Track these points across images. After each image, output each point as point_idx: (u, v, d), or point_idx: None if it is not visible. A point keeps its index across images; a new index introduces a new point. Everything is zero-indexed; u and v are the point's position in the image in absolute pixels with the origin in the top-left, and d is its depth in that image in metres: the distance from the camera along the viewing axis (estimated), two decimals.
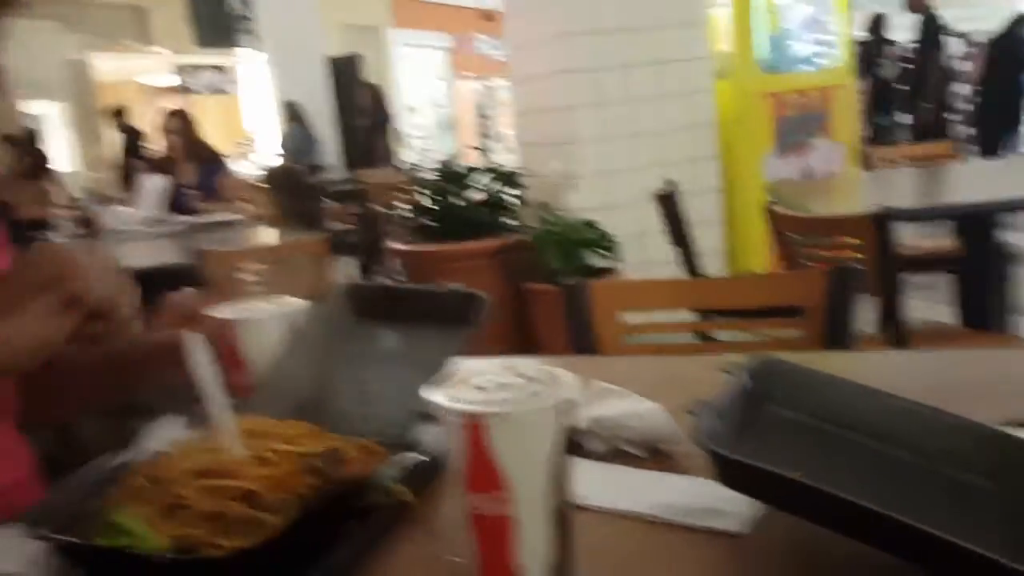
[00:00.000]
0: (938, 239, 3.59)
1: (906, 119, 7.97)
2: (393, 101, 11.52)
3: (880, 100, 7.93)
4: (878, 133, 7.96)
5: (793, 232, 2.22)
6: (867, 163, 3.85)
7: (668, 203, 2.94)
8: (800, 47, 5.03)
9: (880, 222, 1.92)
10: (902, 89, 8.02)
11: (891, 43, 8.63)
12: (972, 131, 8.27)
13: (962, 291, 2.91)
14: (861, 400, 0.65)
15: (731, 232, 4.70)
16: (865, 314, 2.45)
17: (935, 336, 2.30)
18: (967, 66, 9.10)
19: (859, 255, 1.97)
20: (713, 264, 4.48)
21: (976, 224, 2.66)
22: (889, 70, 7.92)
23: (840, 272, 1.35)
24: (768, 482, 0.55)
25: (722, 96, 4.64)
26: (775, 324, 1.44)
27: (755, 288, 1.46)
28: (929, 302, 4.58)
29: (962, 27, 12.86)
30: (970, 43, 10.69)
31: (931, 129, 6.83)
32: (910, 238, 4.80)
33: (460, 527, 0.57)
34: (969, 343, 2.18)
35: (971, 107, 8.07)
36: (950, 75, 7.57)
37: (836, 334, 1.30)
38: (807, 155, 4.90)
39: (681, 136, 4.36)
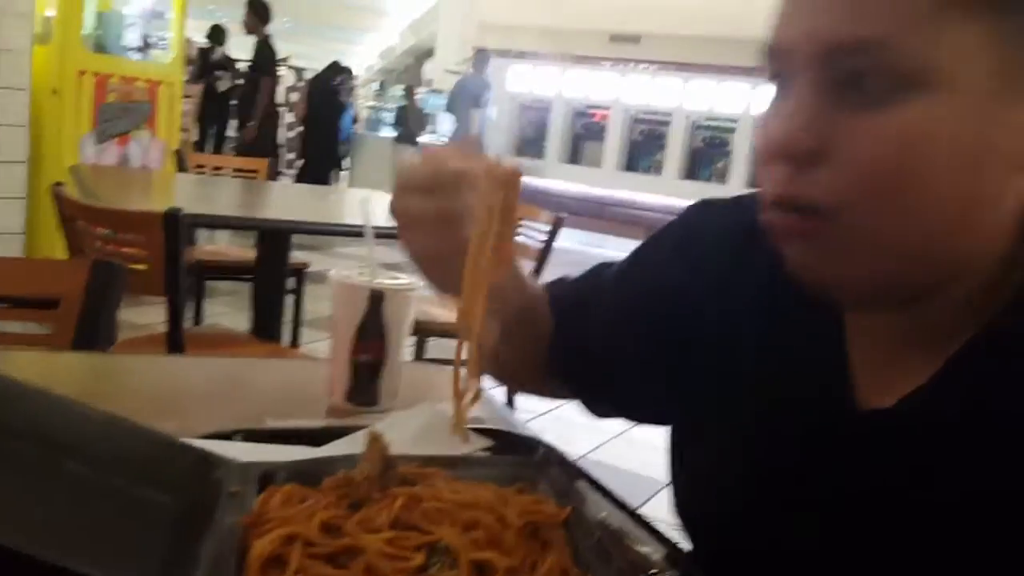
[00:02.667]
0: (246, 249, 3.74)
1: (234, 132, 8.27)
2: None
3: (212, 109, 8.08)
4: (206, 140, 8.09)
5: (81, 220, 2.06)
6: (185, 166, 3.84)
7: None
8: (132, 33, 4.83)
9: (170, 222, 1.88)
10: (234, 104, 8.30)
11: (230, 58, 8.89)
12: (293, 156, 8.94)
13: (255, 300, 3.05)
14: (25, 402, 0.58)
15: (34, 210, 4.24)
16: (157, 315, 2.41)
17: (218, 342, 2.35)
18: (295, 97, 9.87)
19: (146, 253, 1.91)
20: (9, 244, 3.98)
21: (272, 238, 2.82)
22: (224, 82, 8.12)
23: (103, 267, 1.27)
24: None
25: (39, 62, 4.19)
26: (22, 316, 1.29)
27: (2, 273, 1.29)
28: (233, 309, 4.78)
29: (297, 63, 13.91)
30: (300, 78, 11.63)
31: (254, 147, 7.19)
32: (225, 246, 4.96)
33: None
34: (245, 351, 2.27)
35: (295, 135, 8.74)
36: (277, 102, 8.06)
37: (87, 333, 1.21)
38: (127, 145, 4.71)
39: None
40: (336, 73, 8.93)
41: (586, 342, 0.79)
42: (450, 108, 9.19)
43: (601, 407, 0.83)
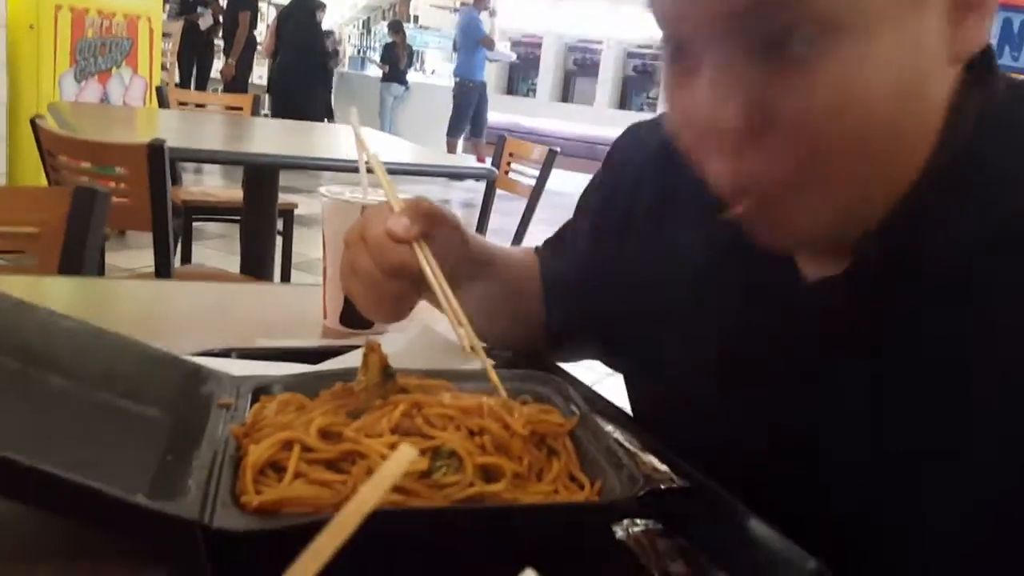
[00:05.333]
0: (232, 190, 3.67)
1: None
2: None
3: (193, 46, 7.91)
4: (186, 76, 7.93)
5: (62, 154, 2.01)
6: (167, 102, 3.75)
7: None
8: None
9: (154, 153, 1.83)
10: (217, 41, 8.15)
11: None
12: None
13: (244, 240, 3.00)
14: (3, 315, 0.55)
15: (14, 150, 4.17)
16: (144, 259, 2.35)
17: (207, 279, 2.32)
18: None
19: (129, 187, 1.86)
20: None
21: (259, 174, 2.76)
22: (205, 19, 7.94)
23: (85, 193, 1.23)
24: None
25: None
26: (5, 245, 1.25)
27: None
28: (222, 252, 4.72)
29: None
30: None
31: (234, 83, 7.07)
32: (210, 188, 4.88)
33: None
34: None
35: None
36: (254, 38, 7.90)
37: (72, 261, 1.17)
38: (108, 83, 4.60)
39: None
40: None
41: (572, 292, 0.80)
42: (455, 47, 9.00)
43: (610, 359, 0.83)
